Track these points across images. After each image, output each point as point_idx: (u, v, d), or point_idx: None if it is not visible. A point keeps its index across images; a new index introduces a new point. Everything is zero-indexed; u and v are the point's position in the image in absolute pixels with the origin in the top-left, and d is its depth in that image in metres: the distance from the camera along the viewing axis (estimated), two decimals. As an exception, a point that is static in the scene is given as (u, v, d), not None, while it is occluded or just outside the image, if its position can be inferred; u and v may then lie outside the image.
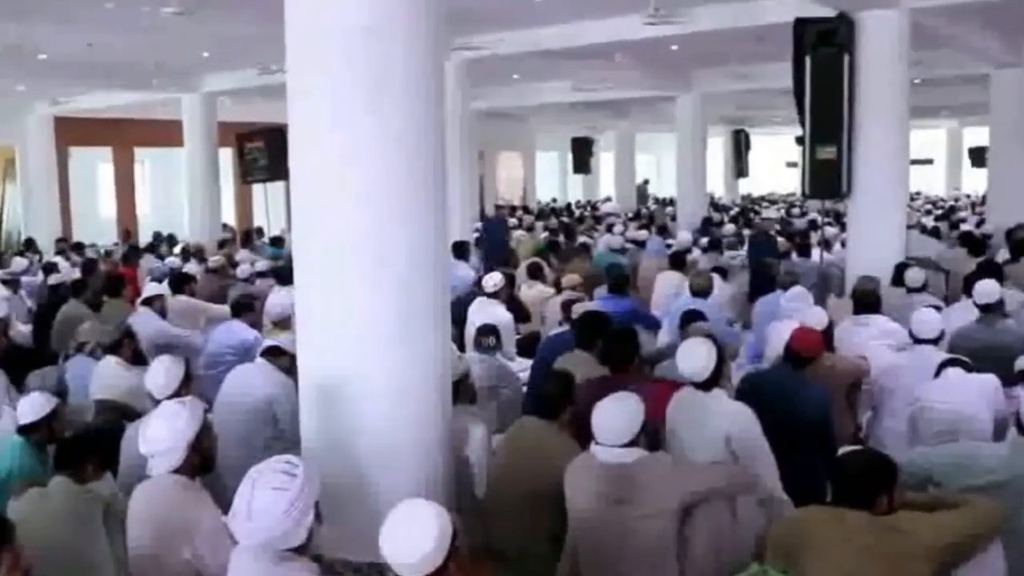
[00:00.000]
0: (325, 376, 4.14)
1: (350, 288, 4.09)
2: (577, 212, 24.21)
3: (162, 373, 4.59)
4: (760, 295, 8.48)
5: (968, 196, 28.95)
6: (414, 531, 2.65)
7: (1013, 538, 3.39)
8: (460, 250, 11.06)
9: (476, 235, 14.14)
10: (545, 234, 15.46)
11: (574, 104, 21.56)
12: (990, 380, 5.07)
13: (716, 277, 8.56)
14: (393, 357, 4.11)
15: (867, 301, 6.74)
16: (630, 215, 21.58)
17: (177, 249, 14.83)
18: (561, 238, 14.13)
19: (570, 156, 26.97)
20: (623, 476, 3.62)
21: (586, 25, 11.98)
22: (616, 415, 3.71)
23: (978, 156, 23.42)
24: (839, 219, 14.64)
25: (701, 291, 7.56)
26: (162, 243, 16.24)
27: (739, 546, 3.64)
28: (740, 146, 24.91)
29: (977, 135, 24.65)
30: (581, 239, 13.97)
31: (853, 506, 3.19)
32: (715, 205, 24.75)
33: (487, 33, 12.48)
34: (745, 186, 31.75)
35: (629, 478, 3.61)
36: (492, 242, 12.68)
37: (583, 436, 4.27)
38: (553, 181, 32.95)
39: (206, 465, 3.62)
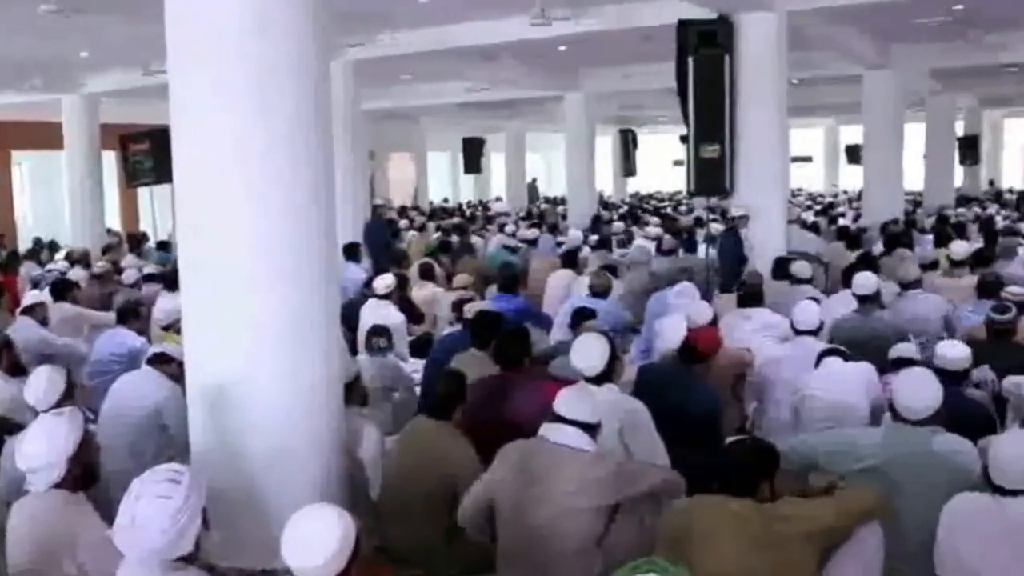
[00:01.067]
0: (214, 380, 4.09)
1: (237, 290, 4.04)
2: (469, 212, 24.26)
3: (42, 384, 4.44)
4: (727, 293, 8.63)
5: (845, 192, 29.94)
6: (317, 535, 2.64)
7: (889, 521, 3.52)
8: (350, 252, 10.97)
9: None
10: (437, 234, 15.46)
11: (464, 104, 21.62)
12: (867, 368, 5.26)
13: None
14: (283, 360, 4.08)
15: (751, 294, 6.93)
16: (521, 214, 21.73)
17: (60, 255, 14.33)
18: (453, 238, 14.15)
19: (461, 156, 27.00)
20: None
21: (473, 25, 12.03)
22: (583, 398, 3.77)
23: (854, 154, 24.24)
24: (724, 216, 15.02)
25: (600, 291, 7.64)
26: (43, 249, 15.69)
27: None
28: (628, 145, 25.28)
29: (853, 133, 25.54)
30: (473, 239, 14.02)
31: (737, 494, 3.27)
32: (604, 203, 25.06)
33: (375, 33, 12.43)
34: (633, 184, 32.26)
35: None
36: (372, 244, 12.58)
37: (477, 435, 4.31)
38: (445, 181, 32.96)
39: (88, 478, 3.49)
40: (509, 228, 15.47)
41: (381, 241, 12.91)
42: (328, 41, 4.35)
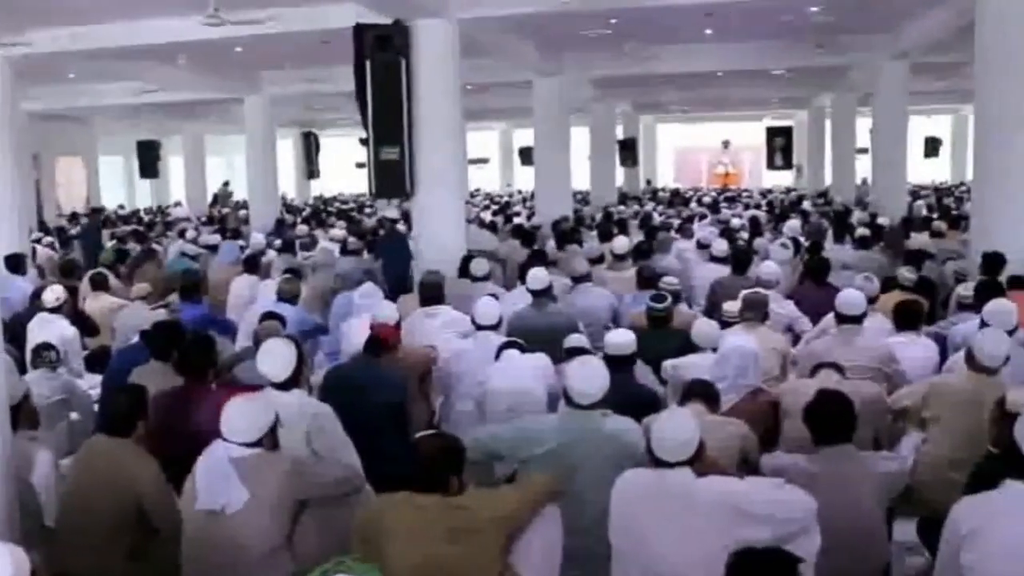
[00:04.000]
0: None
1: None
2: (147, 218, 23.09)
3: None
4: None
5: (520, 192, 31.20)
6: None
7: (567, 498, 3.74)
8: (14, 263, 10.17)
9: (34, 246, 13.09)
10: (112, 242, 14.59)
11: (138, 106, 20.53)
12: (543, 359, 5.55)
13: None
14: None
15: (432, 293, 7.12)
16: (203, 219, 20.98)
17: None
18: (131, 245, 13.44)
19: (136, 160, 25.60)
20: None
21: (145, 24, 11.51)
22: (244, 416, 3.70)
23: (527, 155, 25.36)
24: (407, 218, 15.27)
25: (288, 296, 7.55)
26: None
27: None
28: (310, 147, 25.08)
29: (525, 136, 26.70)
30: (152, 246, 13.39)
31: (429, 490, 3.34)
32: (288, 207, 24.72)
33: (35, 30, 11.58)
34: (317, 187, 32.01)
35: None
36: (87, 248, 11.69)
37: (162, 450, 4.18)
38: (120, 187, 31.10)
39: None
40: (190, 234, 14.87)
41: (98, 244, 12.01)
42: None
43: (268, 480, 3.63)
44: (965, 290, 7.15)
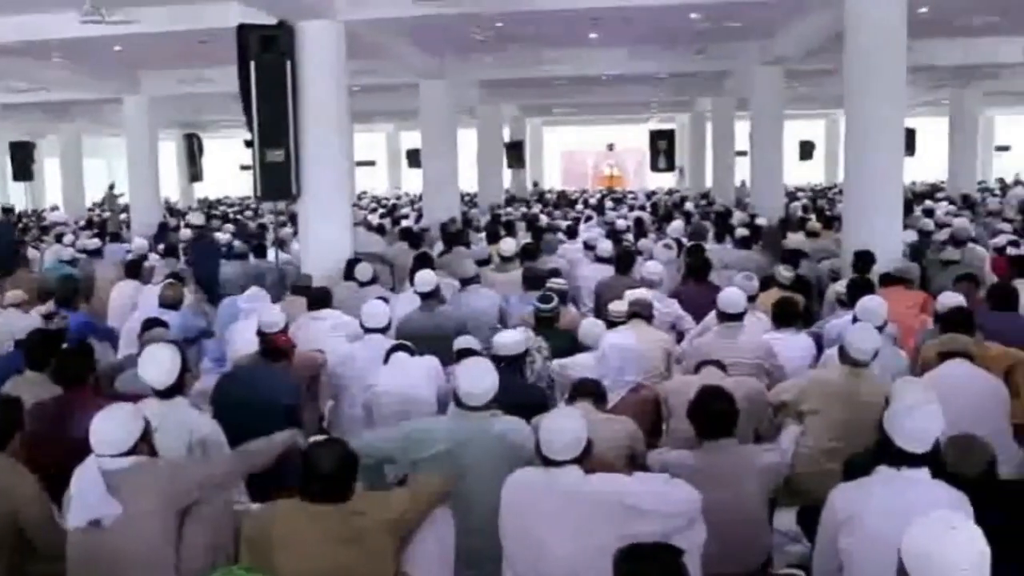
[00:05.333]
0: None
1: None
2: (23, 222, 22.21)
3: None
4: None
5: (408, 194, 31.12)
6: None
7: (459, 499, 3.78)
8: None
9: None
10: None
11: (10, 105, 19.78)
12: (432, 361, 5.58)
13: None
14: None
15: (319, 297, 7.07)
16: (81, 223, 20.31)
17: None
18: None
19: (8, 162, 24.58)
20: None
21: (17, 20, 11.11)
22: (110, 427, 3.58)
23: (414, 158, 25.33)
24: (294, 220, 15.08)
25: (171, 303, 7.38)
26: None
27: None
28: (193, 150, 24.50)
29: (413, 138, 26.65)
30: (27, 251, 12.91)
31: (324, 499, 3.30)
32: (171, 210, 24.14)
33: None
34: (201, 190, 31.32)
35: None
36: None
37: (41, 462, 4.05)
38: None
39: None
40: (68, 238, 14.37)
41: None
42: None
43: (146, 489, 3.52)
44: (839, 287, 7.45)
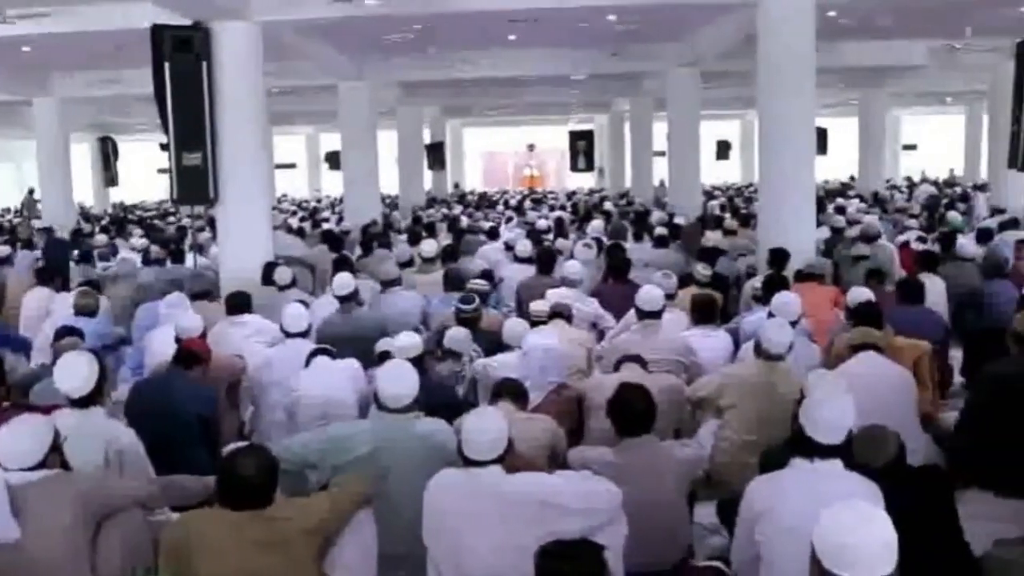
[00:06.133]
0: None
1: None
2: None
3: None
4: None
5: (328, 196, 30.89)
6: None
7: (382, 502, 3.77)
8: None
9: None
10: None
11: (-90, 107, 19.17)
12: (352, 364, 5.57)
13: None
14: None
15: (238, 302, 6.99)
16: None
17: None
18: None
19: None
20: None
21: (-85, 20, 10.76)
22: (18, 439, 3.48)
23: (334, 160, 25.09)
24: (213, 224, 14.85)
25: (86, 311, 7.21)
26: None
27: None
28: (108, 153, 23.98)
29: (332, 140, 26.44)
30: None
31: (244, 506, 3.26)
32: (85, 215, 23.59)
33: None
34: (117, 194, 30.63)
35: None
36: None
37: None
38: None
39: None
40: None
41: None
42: None
43: (59, 503, 3.43)
44: (755, 284, 7.61)
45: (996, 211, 14.67)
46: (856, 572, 2.34)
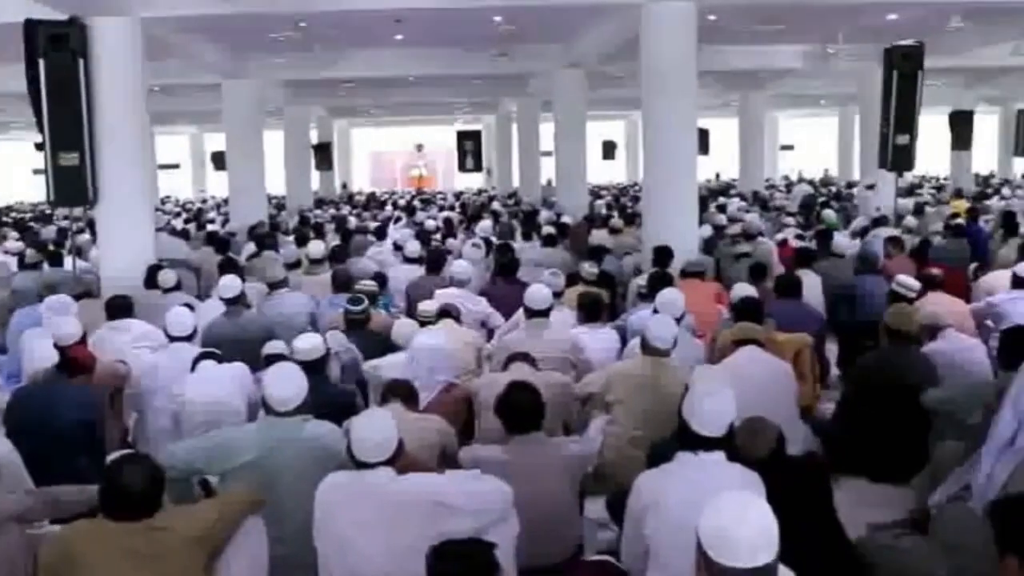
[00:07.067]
0: None
1: None
2: None
3: None
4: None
5: (214, 197, 30.29)
6: None
7: (271, 507, 3.72)
8: None
9: None
10: None
11: None
12: (240, 368, 5.49)
13: None
14: None
15: (120, 305, 6.81)
16: None
17: None
18: None
19: None
20: None
21: None
22: None
23: (219, 160, 24.63)
24: (92, 226, 14.40)
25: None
26: None
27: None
28: (-21, 153, 23.02)
29: (218, 140, 25.92)
30: None
31: (127, 517, 3.19)
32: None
33: None
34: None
35: None
36: None
37: None
38: None
39: None
40: None
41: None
42: None
43: None
44: (640, 281, 7.76)
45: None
46: (739, 560, 2.40)
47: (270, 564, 3.62)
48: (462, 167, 26.20)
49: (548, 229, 11.46)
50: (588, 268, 8.14)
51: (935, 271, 7.52)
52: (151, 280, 8.34)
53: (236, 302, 6.83)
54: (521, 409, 4.19)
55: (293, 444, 3.96)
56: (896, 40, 11.84)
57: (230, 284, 6.87)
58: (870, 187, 13.80)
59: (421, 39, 14.57)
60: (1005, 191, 20.29)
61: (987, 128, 26.18)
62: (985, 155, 27.24)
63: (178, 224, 17.80)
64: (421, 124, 35.97)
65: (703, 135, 17.46)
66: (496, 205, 19.33)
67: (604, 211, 16.44)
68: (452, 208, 20.63)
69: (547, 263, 9.15)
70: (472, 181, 33.08)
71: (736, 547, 2.41)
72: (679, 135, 9.94)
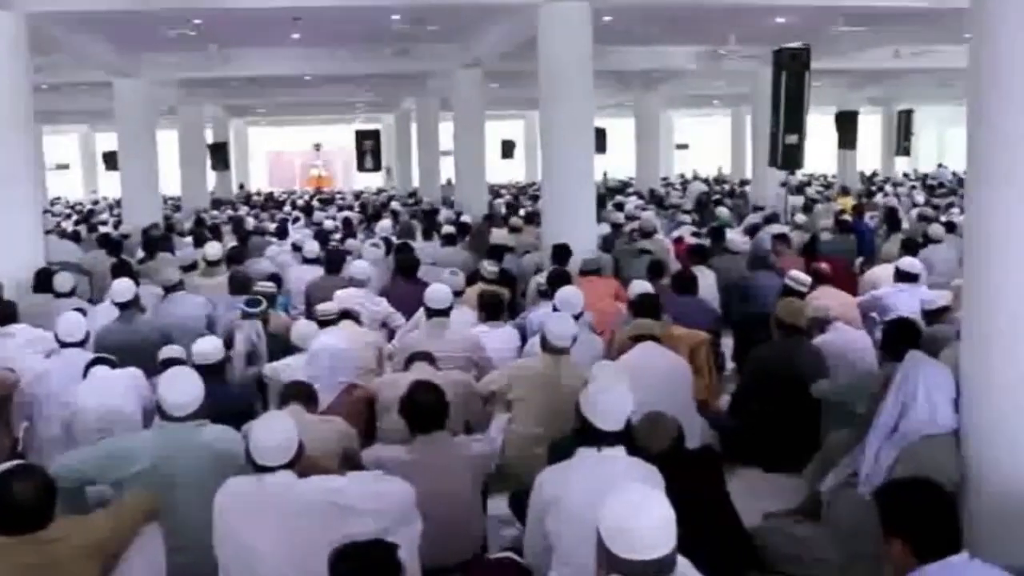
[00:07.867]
0: None
1: None
2: None
3: None
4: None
5: (106, 198, 29.47)
6: None
7: (169, 514, 3.67)
8: None
9: None
10: None
11: None
12: (134, 373, 5.37)
13: None
14: None
15: (5, 310, 6.63)
16: None
17: None
18: None
19: None
20: None
21: None
22: None
23: (111, 160, 23.90)
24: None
25: None
26: None
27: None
28: None
29: (109, 140, 25.21)
30: None
31: (17, 530, 3.10)
32: None
33: None
34: None
35: None
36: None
37: None
38: None
39: None
40: None
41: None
42: None
43: None
44: (540, 279, 7.83)
45: (756, 208, 15.62)
46: (638, 553, 2.45)
47: (169, 570, 3.56)
48: (361, 167, 26.00)
49: (448, 228, 11.48)
50: (488, 267, 8.18)
51: (823, 266, 7.75)
52: (41, 284, 8.08)
53: (130, 306, 6.68)
54: (426, 409, 4.20)
55: (190, 450, 3.91)
56: (785, 42, 12.15)
57: (124, 288, 6.71)
58: (783, 184, 14.14)
59: (319, 38, 14.43)
60: (888, 188, 21.02)
61: (871, 128, 27.11)
62: (870, 154, 28.17)
63: (68, 226, 17.29)
64: (320, 123, 35.59)
65: (600, 134, 17.66)
66: (396, 204, 19.26)
67: (504, 210, 16.51)
68: (351, 208, 20.47)
69: (447, 262, 9.17)
70: (372, 180, 32.84)
71: (635, 540, 2.46)
72: (577, 134, 10.05)
